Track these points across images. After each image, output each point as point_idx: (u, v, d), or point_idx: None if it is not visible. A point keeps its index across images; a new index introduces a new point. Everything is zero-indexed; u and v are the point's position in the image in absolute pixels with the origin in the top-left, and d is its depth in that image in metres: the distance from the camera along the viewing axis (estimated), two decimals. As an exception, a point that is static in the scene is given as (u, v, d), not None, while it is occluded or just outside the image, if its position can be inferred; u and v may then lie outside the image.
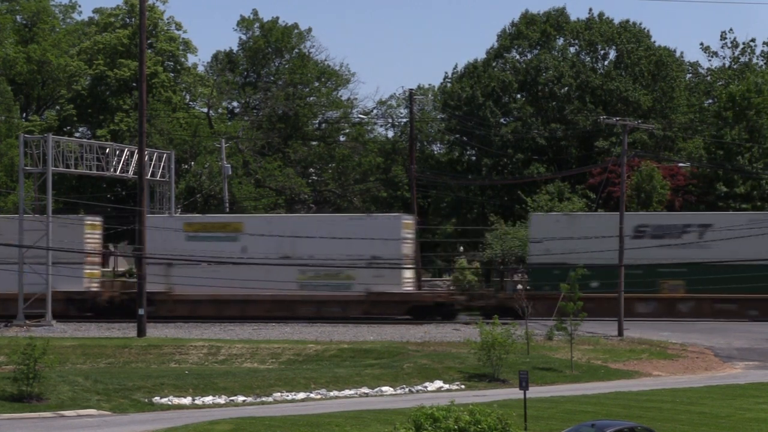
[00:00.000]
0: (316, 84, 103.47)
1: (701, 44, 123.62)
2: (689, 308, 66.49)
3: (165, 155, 75.91)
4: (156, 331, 61.90)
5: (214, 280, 64.20)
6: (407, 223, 69.53)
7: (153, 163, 73.26)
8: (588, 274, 56.26)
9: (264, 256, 64.08)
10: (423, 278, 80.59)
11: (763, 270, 62.66)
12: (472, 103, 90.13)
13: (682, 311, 66.23)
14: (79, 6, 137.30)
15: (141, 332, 59.84)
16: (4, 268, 64.52)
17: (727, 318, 64.44)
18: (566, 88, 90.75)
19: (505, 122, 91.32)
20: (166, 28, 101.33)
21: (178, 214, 71.84)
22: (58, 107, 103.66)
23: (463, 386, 46.77)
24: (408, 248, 68.99)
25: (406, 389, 46.27)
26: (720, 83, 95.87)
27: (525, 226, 74.98)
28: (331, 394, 45.12)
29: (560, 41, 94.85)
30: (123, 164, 71.58)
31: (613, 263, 60.86)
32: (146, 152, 65.61)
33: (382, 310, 66.70)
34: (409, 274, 69.31)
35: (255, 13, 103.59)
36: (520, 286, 68.86)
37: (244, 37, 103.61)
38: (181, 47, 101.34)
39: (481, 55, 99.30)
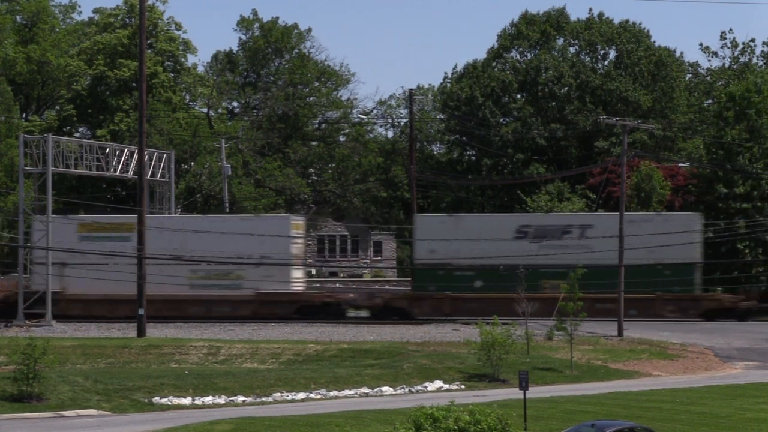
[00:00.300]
0: (316, 84, 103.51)
1: (701, 44, 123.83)
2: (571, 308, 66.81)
3: (165, 155, 75.90)
4: (156, 331, 61.90)
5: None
6: (296, 224, 70.42)
7: (153, 163, 73.24)
8: (472, 275, 57.45)
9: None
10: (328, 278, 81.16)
11: (642, 270, 63.74)
12: (472, 103, 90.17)
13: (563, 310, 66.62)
14: (79, 6, 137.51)
15: (141, 332, 59.83)
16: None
17: (607, 318, 65.35)
18: (566, 88, 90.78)
19: (504, 122, 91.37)
20: (166, 28, 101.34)
21: (72, 215, 72.18)
22: (58, 107, 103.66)
23: (463, 386, 46.76)
24: (297, 248, 69.72)
25: (406, 389, 46.27)
26: (720, 83, 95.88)
27: None
28: (331, 394, 45.12)
29: (560, 41, 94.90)
30: (123, 164, 71.57)
31: (498, 264, 62.31)
32: (146, 152, 65.60)
33: (271, 309, 67.07)
34: (298, 273, 70.19)
35: (255, 13, 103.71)
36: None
37: (244, 37, 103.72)
38: (181, 47, 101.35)
39: (481, 55, 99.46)
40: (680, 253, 64.73)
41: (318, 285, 78.40)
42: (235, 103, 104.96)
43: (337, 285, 75.78)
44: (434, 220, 71.03)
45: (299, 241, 70.07)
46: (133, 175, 70.69)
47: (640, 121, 76.55)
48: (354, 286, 70.44)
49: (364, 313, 69.37)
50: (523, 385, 36.39)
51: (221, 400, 43.94)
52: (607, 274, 61.70)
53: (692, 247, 65.97)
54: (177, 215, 74.40)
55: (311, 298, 70.13)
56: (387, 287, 73.01)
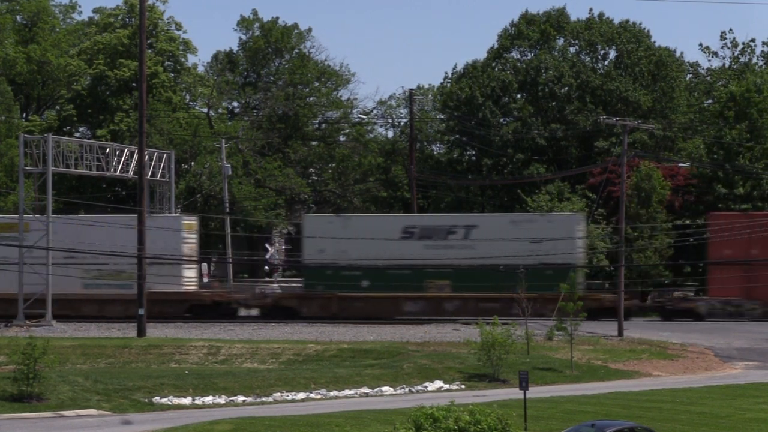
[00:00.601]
0: (316, 84, 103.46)
1: (700, 44, 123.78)
2: (455, 307, 67.71)
3: (165, 155, 75.90)
4: (156, 331, 61.92)
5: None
6: (188, 224, 70.97)
7: (153, 163, 73.24)
8: (359, 275, 58.08)
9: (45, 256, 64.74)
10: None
11: (526, 270, 63.88)
12: (472, 103, 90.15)
13: (448, 310, 67.45)
14: (79, 6, 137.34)
15: (141, 332, 59.85)
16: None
17: (492, 317, 65.80)
18: (566, 88, 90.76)
19: (505, 122, 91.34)
20: (166, 28, 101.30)
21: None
22: (58, 107, 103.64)
23: (463, 386, 46.78)
24: (189, 248, 70.29)
25: (406, 389, 46.28)
26: (720, 83, 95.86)
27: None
28: (331, 394, 45.13)
29: (560, 41, 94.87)
30: (123, 164, 71.57)
31: (385, 264, 63.57)
32: (146, 152, 65.61)
33: (162, 308, 67.25)
34: (191, 273, 70.71)
35: (255, 13, 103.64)
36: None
37: (244, 37, 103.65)
38: (181, 47, 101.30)
39: (481, 55, 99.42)
40: (562, 252, 65.54)
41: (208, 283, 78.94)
42: (235, 103, 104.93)
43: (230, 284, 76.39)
44: (322, 220, 71.89)
45: (191, 240, 70.67)
46: (133, 175, 70.69)
47: (640, 121, 76.52)
48: (245, 285, 70.92)
49: (254, 312, 70.20)
50: (523, 385, 36.40)
51: (221, 400, 43.95)
52: (491, 274, 62.73)
53: (574, 247, 66.87)
54: (70, 215, 74.52)
55: (202, 297, 70.66)
56: (277, 286, 73.53)
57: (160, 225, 67.10)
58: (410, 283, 66.78)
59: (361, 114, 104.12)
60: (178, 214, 74.80)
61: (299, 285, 73.04)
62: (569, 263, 65.47)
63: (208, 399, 43.91)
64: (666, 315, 67.90)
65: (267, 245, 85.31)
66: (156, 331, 61.92)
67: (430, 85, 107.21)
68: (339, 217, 71.84)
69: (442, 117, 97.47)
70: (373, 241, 64.71)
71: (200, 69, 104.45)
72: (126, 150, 72.62)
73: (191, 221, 72.25)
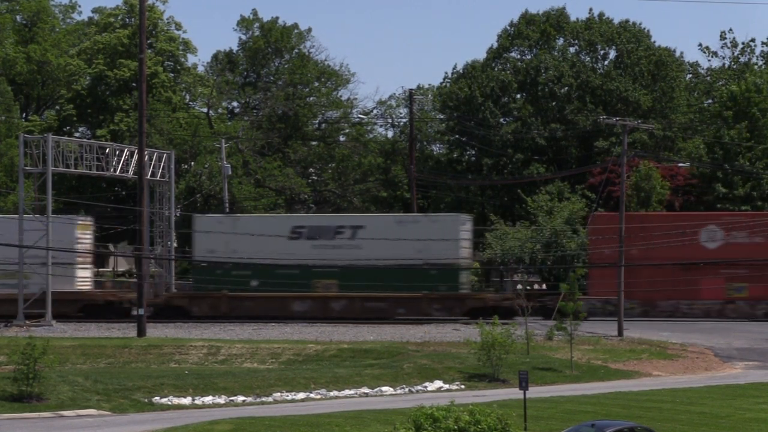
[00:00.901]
0: (316, 84, 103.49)
1: (700, 44, 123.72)
2: (342, 307, 68.16)
3: (165, 155, 75.88)
4: (156, 331, 61.93)
5: None
6: (83, 225, 71.21)
7: (153, 163, 73.23)
8: (249, 274, 60.84)
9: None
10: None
11: (409, 270, 65.46)
12: (472, 103, 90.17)
13: (335, 310, 67.94)
14: (79, 6, 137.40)
15: (141, 332, 59.84)
16: None
17: (378, 316, 66.48)
18: (566, 88, 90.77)
19: (504, 122, 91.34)
20: (166, 28, 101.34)
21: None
22: (58, 107, 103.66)
23: (463, 386, 46.77)
24: (84, 248, 70.65)
25: (406, 389, 46.28)
26: (720, 83, 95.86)
27: (525, 225, 75.44)
28: (331, 394, 45.13)
29: (560, 41, 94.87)
30: (123, 164, 71.56)
31: (274, 264, 64.33)
32: (146, 152, 65.61)
33: (56, 308, 67.04)
34: (84, 273, 71.12)
35: (255, 13, 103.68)
36: (519, 287, 69.32)
37: (244, 37, 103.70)
38: (181, 47, 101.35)
39: (481, 55, 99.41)
40: (447, 253, 66.25)
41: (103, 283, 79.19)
42: (235, 103, 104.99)
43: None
44: (212, 220, 71.94)
45: (86, 241, 71.07)
46: (133, 175, 70.69)
47: (640, 121, 76.53)
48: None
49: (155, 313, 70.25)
50: (523, 385, 36.39)
51: (221, 400, 43.95)
52: (377, 274, 63.53)
53: (458, 247, 67.46)
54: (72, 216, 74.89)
55: (94, 297, 70.95)
56: (170, 285, 73.88)
57: (55, 226, 67.26)
58: (298, 283, 67.37)
59: (361, 114, 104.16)
60: (73, 215, 74.80)
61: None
62: (453, 263, 66.62)
63: (208, 399, 43.90)
64: (547, 314, 67.86)
65: None
66: (156, 331, 61.93)
67: (430, 85, 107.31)
68: (228, 216, 72.38)
69: (442, 117, 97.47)
70: (263, 241, 65.02)
71: (200, 69, 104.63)
72: (126, 150, 72.61)
73: (86, 222, 72.26)
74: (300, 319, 66.92)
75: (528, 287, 71.97)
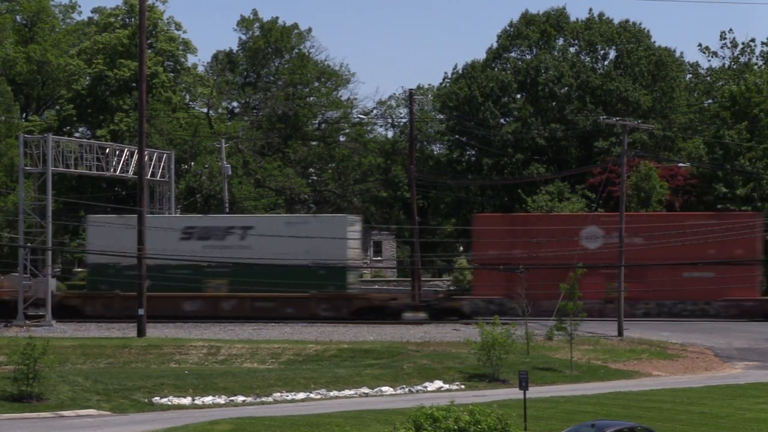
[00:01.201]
0: (316, 84, 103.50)
1: (700, 44, 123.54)
2: (232, 306, 68.83)
3: (165, 155, 75.90)
4: (156, 331, 61.93)
5: None
6: None
7: (153, 163, 73.25)
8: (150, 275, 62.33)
9: None
10: None
11: (298, 270, 66.45)
12: (472, 103, 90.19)
13: (225, 309, 68.51)
14: (79, 6, 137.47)
15: (141, 332, 59.84)
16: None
17: (267, 316, 67.15)
18: (566, 88, 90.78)
19: (505, 122, 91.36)
20: (166, 28, 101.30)
21: None
22: (58, 107, 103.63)
23: (463, 386, 46.77)
24: None
25: (406, 389, 46.28)
26: (720, 83, 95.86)
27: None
28: (331, 394, 45.12)
29: (560, 41, 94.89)
30: (123, 164, 71.57)
31: (164, 264, 65.62)
32: (146, 152, 65.60)
33: None
34: None
35: (255, 13, 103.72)
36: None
37: (244, 37, 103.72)
38: (180, 47, 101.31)
39: (481, 56, 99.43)
40: (335, 253, 67.21)
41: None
42: (235, 103, 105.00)
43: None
44: (103, 220, 72.54)
45: None
46: (133, 175, 70.70)
47: (640, 121, 76.54)
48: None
49: (42, 312, 69.89)
50: (523, 385, 36.38)
51: (221, 400, 43.94)
52: (267, 274, 64.08)
53: (346, 248, 68.43)
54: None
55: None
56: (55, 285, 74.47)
57: None
58: (190, 283, 68.39)
59: (361, 114, 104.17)
60: None
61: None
62: (341, 263, 67.70)
63: (208, 399, 43.90)
64: (433, 314, 69.55)
65: None
66: (156, 331, 61.92)
67: (430, 85, 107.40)
68: (120, 217, 72.74)
69: (442, 117, 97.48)
70: (155, 241, 65.18)
71: (200, 69, 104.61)
72: (126, 150, 72.62)
73: None
74: (190, 318, 67.79)
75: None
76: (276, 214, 73.41)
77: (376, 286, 76.38)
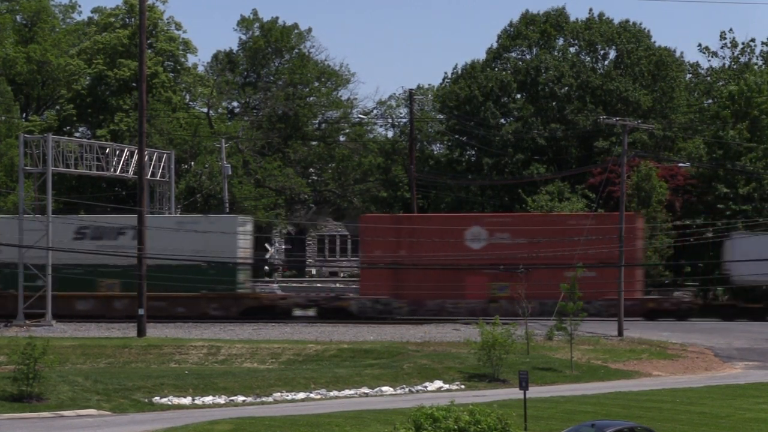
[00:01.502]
0: (316, 84, 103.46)
1: (700, 45, 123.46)
2: (124, 306, 69.21)
3: (165, 155, 75.90)
4: (156, 331, 61.94)
5: None
6: None
7: (153, 163, 73.25)
8: (36, 273, 64.40)
9: None
10: None
11: (190, 270, 67.13)
12: (472, 103, 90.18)
13: (118, 309, 69.04)
14: (79, 6, 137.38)
15: (141, 332, 59.85)
16: None
17: (159, 315, 67.25)
18: (566, 88, 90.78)
19: (505, 122, 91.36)
20: (166, 28, 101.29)
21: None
22: (58, 107, 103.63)
23: (463, 386, 46.77)
24: None
25: (406, 389, 46.28)
26: (720, 83, 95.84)
27: None
28: (331, 394, 45.13)
29: (560, 41, 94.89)
30: (123, 164, 71.57)
31: (59, 263, 66.51)
32: (146, 152, 65.61)
33: None
34: None
35: (255, 13, 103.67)
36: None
37: (244, 37, 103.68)
38: (181, 47, 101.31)
39: (481, 56, 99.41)
40: (225, 253, 67.76)
41: None
42: (235, 103, 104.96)
43: None
44: (1, 222, 72.59)
45: None
46: (133, 175, 70.70)
47: (640, 121, 76.54)
48: None
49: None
50: (523, 385, 36.38)
51: (221, 400, 43.95)
52: (158, 273, 64.44)
53: (236, 248, 69.11)
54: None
55: None
56: None
57: None
58: (83, 283, 68.93)
59: (361, 114, 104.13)
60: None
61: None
62: (232, 263, 68.44)
63: (208, 399, 43.90)
64: (322, 313, 70.77)
65: (267, 245, 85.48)
66: (156, 331, 61.93)
67: (429, 85, 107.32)
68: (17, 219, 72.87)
69: (442, 117, 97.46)
70: (54, 241, 65.79)
71: (200, 69, 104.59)
72: (126, 150, 72.61)
73: None
74: (84, 317, 68.34)
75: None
76: (167, 215, 73.61)
77: (275, 285, 77.24)
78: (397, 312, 68.88)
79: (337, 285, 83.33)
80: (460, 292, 68.90)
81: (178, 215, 75.10)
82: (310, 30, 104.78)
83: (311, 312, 71.75)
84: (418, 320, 67.47)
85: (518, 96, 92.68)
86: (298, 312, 72.09)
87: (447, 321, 67.48)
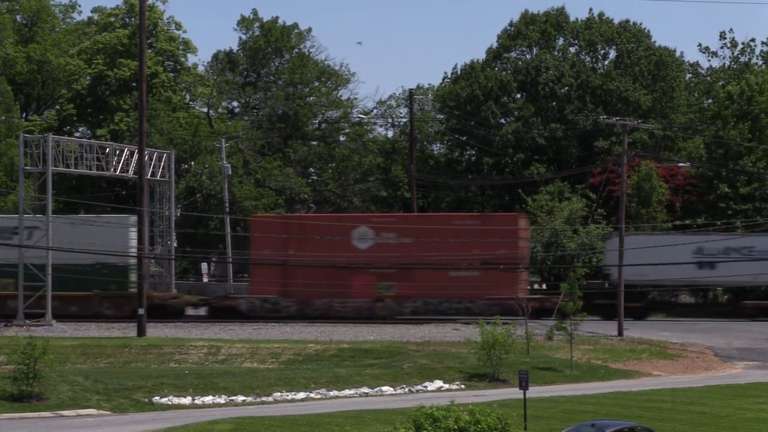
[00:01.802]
0: (316, 84, 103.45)
1: (700, 45, 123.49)
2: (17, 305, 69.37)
3: (165, 155, 75.89)
4: (156, 331, 61.94)
5: None
6: None
7: (153, 163, 73.24)
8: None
9: None
10: None
11: (83, 270, 68.29)
12: (472, 102, 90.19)
13: (11, 308, 68.53)
14: (79, 6, 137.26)
15: (141, 332, 59.84)
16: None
17: (53, 313, 67.46)
18: (566, 88, 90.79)
19: (505, 122, 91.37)
20: (166, 28, 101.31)
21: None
22: (58, 107, 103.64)
23: (463, 386, 46.77)
24: None
25: (406, 389, 46.27)
26: (720, 83, 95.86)
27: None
28: (331, 394, 45.12)
29: (560, 41, 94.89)
30: (123, 164, 71.56)
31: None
32: (146, 152, 65.60)
33: None
34: None
35: (255, 13, 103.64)
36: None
37: (244, 37, 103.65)
38: (181, 47, 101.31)
39: (481, 55, 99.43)
40: (118, 253, 68.29)
41: None
42: (235, 103, 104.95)
43: None
44: None
45: None
46: (133, 174, 70.69)
47: (640, 121, 76.54)
48: None
49: None
50: (523, 385, 36.37)
51: (221, 399, 43.94)
52: (53, 273, 65.45)
53: (127, 248, 69.33)
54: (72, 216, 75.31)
55: None
56: None
57: None
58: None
59: (361, 114, 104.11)
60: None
61: None
62: (123, 263, 69.44)
63: (208, 399, 43.90)
64: (212, 312, 71.39)
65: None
66: (156, 331, 61.93)
67: (430, 85, 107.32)
68: None
69: (442, 117, 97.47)
70: None
71: (200, 69, 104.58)
72: (126, 150, 72.60)
73: None
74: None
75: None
76: (62, 216, 73.69)
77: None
78: (285, 311, 69.49)
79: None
80: (347, 291, 69.18)
81: (72, 216, 74.99)
82: (310, 30, 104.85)
83: (202, 311, 72.49)
84: (418, 320, 67.38)
85: (518, 96, 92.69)
86: (190, 311, 72.97)
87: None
